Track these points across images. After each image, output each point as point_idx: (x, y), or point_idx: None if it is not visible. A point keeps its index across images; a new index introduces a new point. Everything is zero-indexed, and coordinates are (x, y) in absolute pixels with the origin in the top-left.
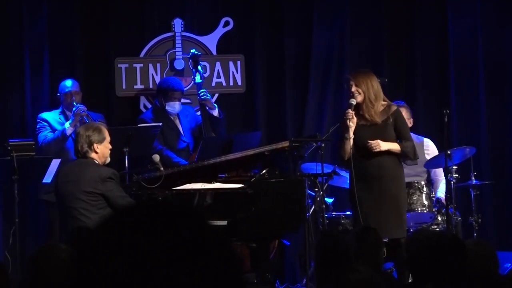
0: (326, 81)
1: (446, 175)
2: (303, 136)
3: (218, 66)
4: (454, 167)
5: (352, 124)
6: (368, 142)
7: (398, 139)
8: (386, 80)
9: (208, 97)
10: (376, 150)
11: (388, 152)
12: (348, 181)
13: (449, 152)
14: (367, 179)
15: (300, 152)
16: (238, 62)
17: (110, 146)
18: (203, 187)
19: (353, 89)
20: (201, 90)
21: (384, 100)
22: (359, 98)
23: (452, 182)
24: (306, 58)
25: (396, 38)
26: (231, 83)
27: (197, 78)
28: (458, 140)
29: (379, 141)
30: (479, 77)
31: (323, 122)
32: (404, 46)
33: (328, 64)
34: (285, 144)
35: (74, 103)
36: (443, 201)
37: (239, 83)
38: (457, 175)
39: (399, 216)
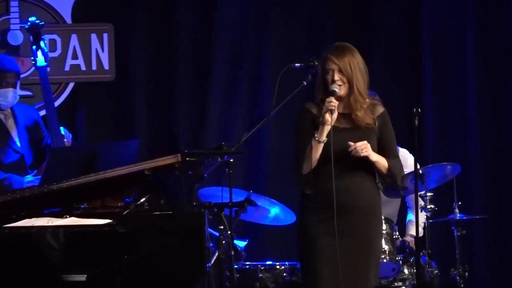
0: (237, 68)
1: (416, 205)
2: (202, 147)
3: (74, 41)
4: (429, 193)
5: (330, 121)
6: (350, 145)
7: (382, 153)
8: None
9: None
10: (362, 155)
11: (366, 171)
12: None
13: (421, 171)
14: (331, 208)
15: (197, 170)
16: (105, 36)
17: None
18: (50, 223)
19: (337, 76)
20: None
21: None
22: (343, 90)
23: (425, 217)
24: (208, 32)
25: (347, 6)
26: (94, 67)
27: (40, 61)
28: (436, 153)
29: (367, 143)
30: (467, 65)
31: (232, 128)
32: (358, 18)
33: (240, 44)
34: (175, 159)
35: None
36: (412, 244)
37: (106, 66)
38: (432, 206)
39: (372, 265)
